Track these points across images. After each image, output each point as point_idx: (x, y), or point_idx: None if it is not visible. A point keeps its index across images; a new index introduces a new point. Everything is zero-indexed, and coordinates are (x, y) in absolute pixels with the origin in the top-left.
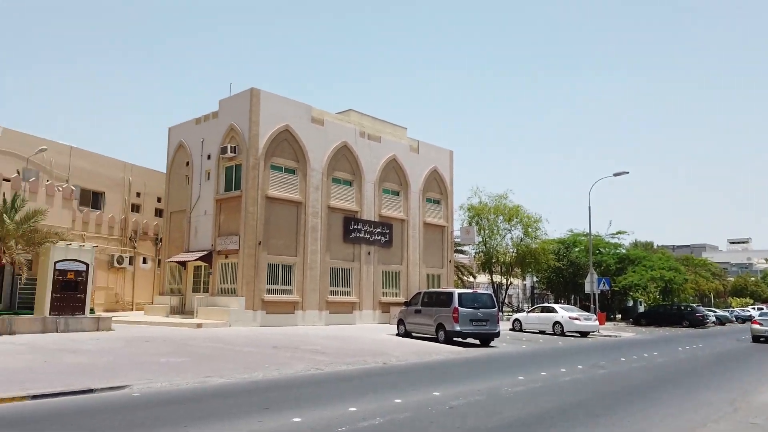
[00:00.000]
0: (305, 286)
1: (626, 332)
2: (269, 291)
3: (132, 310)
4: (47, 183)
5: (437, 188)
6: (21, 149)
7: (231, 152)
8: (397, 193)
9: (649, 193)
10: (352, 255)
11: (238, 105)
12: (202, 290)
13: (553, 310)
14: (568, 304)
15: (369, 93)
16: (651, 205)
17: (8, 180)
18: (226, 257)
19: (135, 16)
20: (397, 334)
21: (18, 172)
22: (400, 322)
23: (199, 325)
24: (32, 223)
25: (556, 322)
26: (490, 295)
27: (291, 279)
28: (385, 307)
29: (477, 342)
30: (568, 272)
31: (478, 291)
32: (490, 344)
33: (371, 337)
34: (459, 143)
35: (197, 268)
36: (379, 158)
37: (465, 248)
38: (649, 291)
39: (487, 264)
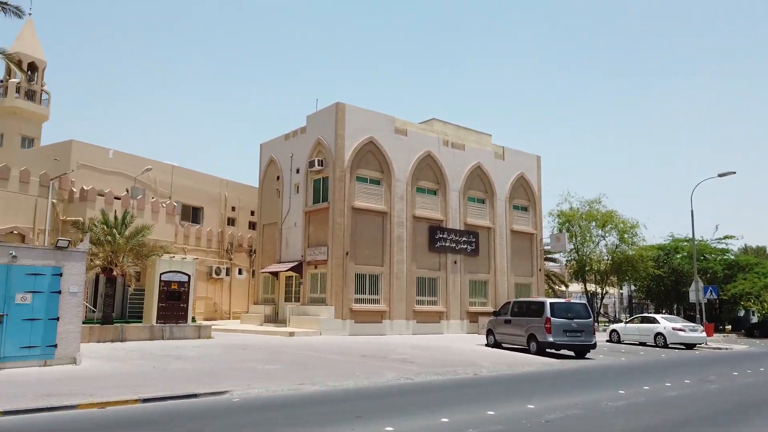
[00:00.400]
0: (392, 295)
1: (737, 344)
2: (357, 300)
3: (229, 318)
4: (152, 200)
5: (524, 195)
6: (129, 169)
7: (318, 165)
8: (483, 201)
9: (760, 194)
10: (438, 264)
11: (325, 119)
12: (293, 300)
13: (654, 321)
14: (670, 314)
15: (452, 101)
16: (762, 207)
17: (119, 198)
18: (316, 267)
19: (228, 39)
20: (487, 345)
21: (127, 191)
22: (489, 332)
23: (291, 334)
24: (140, 237)
25: (658, 334)
26: (585, 304)
27: (378, 288)
28: (473, 316)
29: (571, 354)
30: (669, 280)
31: (572, 300)
32: (586, 356)
33: (460, 347)
34: (547, 148)
35: (289, 278)
36: (463, 166)
37: (556, 256)
38: (763, 300)
39: (579, 272)
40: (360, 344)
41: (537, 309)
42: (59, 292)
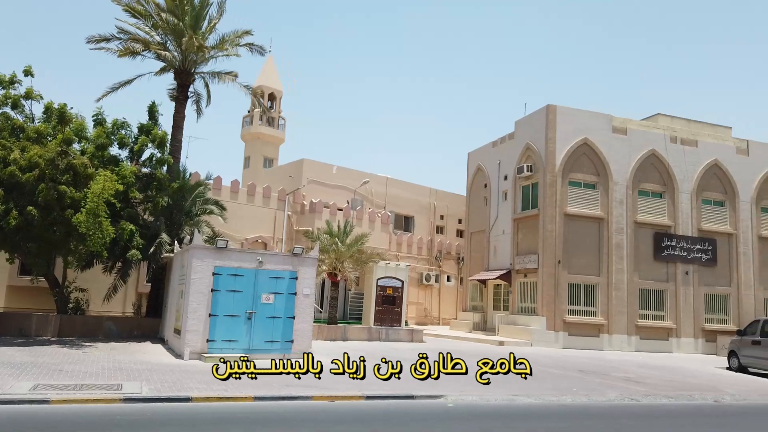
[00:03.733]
0: (611, 308)
1: None
2: (571, 312)
3: (438, 324)
4: (369, 210)
5: None
6: (350, 183)
7: (527, 171)
8: (721, 203)
9: None
10: (665, 275)
11: (534, 123)
12: (502, 308)
13: None
14: None
15: (681, 94)
16: None
17: (341, 209)
18: (525, 276)
19: (431, 51)
20: (728, 368)
21: (348, 202)
22: (732, 354)
23: (500, 343)
24: (359, 245)
25: None
26: None
27: (594, 300)
28: (710, 335)
29: None
30: None
31: None
32: None
33: (694, 368)
34: None
35: (497, 287)
36: (696, 165)
37: None
38: None
39: None
40: (576, 358)
41: None
42: (295, 294)
